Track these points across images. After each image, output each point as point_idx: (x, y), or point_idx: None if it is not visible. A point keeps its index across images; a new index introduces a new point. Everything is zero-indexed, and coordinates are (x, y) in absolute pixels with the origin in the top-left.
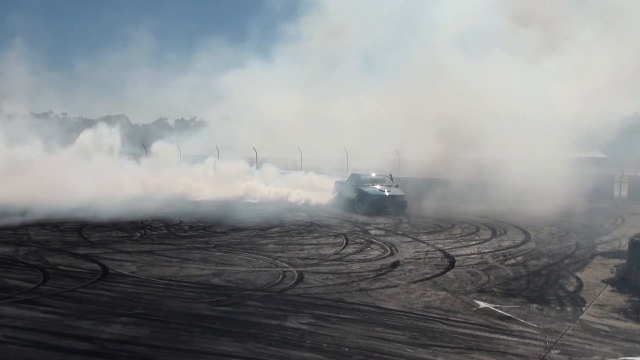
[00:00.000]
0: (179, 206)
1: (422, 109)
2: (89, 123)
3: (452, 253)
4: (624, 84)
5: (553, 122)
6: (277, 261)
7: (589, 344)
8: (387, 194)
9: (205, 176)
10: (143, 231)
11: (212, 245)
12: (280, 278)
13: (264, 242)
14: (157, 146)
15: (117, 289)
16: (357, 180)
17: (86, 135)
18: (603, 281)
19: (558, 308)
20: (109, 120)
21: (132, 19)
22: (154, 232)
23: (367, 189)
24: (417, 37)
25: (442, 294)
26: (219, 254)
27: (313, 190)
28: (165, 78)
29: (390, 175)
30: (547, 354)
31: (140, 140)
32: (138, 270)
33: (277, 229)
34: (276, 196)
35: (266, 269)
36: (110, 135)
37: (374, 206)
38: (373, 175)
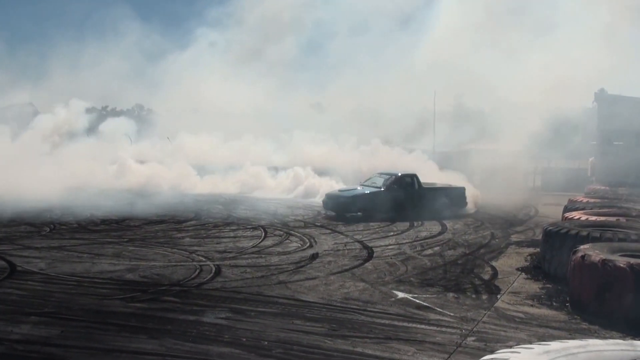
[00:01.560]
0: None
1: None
2: None
3: (370, 244)
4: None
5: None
6: (194, 255)
7: (504, 331)
8: (337, 193)
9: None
10: (52, 225)
11: (125, 240)
12: (197, 272)
13: (180, 235)
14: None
15: (26, 287)
16: (369, 179)
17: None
18: (517, 269)
19: (474, 296)
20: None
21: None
22: (64, 227)
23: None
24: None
25: (361, 285)
26: (133, 248)
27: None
28: (81, 65)
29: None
30: (464, 341)
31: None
32: (47, 266)
33: (193, 222)
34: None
35: (182, 263)
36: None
37: (325, 205)
38: (399, 174)
